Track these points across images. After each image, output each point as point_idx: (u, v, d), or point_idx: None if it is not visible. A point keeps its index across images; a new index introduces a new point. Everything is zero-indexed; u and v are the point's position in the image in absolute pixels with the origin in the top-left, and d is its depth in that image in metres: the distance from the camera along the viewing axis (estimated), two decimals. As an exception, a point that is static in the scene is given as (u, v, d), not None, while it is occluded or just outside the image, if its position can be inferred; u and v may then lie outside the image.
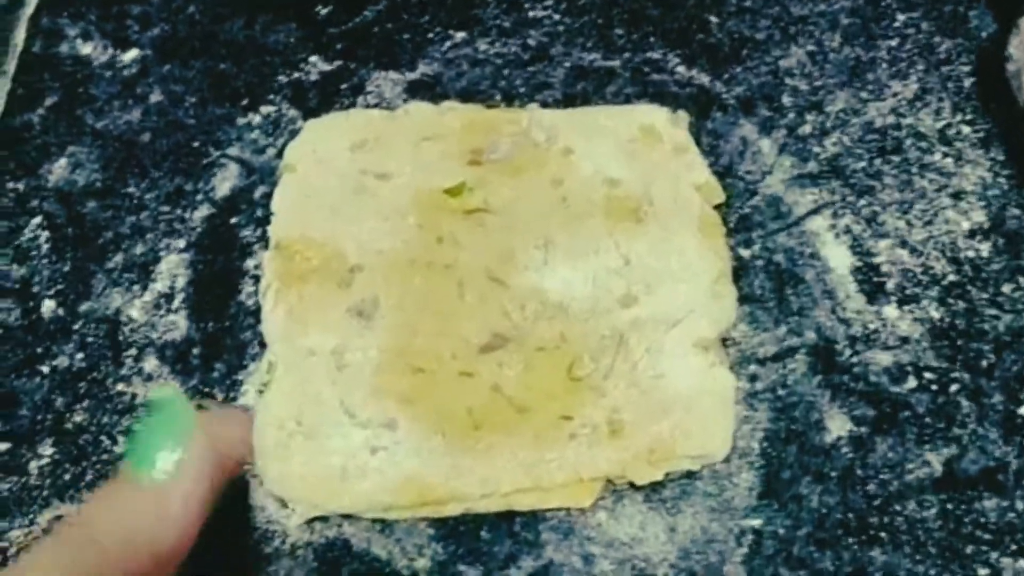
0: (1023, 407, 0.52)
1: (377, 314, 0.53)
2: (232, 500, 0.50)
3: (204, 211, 0.58)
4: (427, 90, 0.62)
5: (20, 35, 0.65)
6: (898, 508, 0.50)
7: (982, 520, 0.50)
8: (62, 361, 0.54)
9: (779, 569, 0.49)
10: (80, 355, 0.55)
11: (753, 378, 0.53)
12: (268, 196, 0.58)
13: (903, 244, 0.56)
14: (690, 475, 0.51)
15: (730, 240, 0.56)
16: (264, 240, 0.57)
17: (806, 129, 0.60)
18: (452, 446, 0.50)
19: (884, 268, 0.56)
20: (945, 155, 0.59)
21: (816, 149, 0.59)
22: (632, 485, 0.50)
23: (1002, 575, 0.49)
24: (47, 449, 0.52)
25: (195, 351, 0.55)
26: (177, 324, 0.55)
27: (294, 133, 0.60)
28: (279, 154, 0.60)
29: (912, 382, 0.53)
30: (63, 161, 0.60)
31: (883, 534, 0.50)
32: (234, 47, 0.64)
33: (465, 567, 0.49)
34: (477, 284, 0.54)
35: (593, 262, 0.54)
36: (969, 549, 0.49)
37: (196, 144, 0.61)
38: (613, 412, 0.51)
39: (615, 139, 0.58)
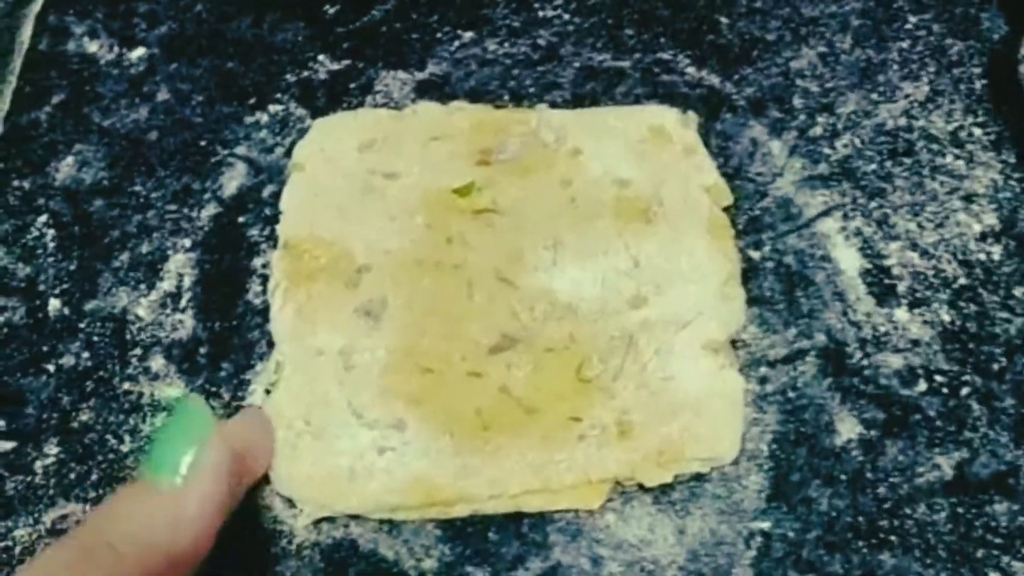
0: (1034, 411, 0.52)
1: (385, 314, 0.53)
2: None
3: (211, 210, 0.58)
4: (436, 90, 0.62)
5: (27, 33, 0.65)
6: (908, 512, 0.50)
7: (993, 524, 0.49)
8: (68, 360, 0.54)
9: (788, 572, 0.49)
10: (86, 354, 0.54)
11: (763, 380, 0.53)
12: (275, 195, 0.58)
13: (914, 246, 0.56)
14: (699, 477, 0.51)
15: (740, 242, 0.56)
16: (271, 239, 0.57)
17: (817, 131, 0.60)
18: (460, 447, 0.50)
19: (895, 270, 0.55)
20: (956, 157, 0.58)
21: (827, 151, 0.59)
22: (641, 487, 0.50)
23: (1013, 579, 0.48)
24: (53, 448, 0.52)
25: (202, 350, 0.54)
26: (184, 323, 0.55)
27: (302, 132, 0.60)
28: (287, 153, 0.59)
29: (923, 385, 0.53)
30: (70, 159, 0.60)
31: (893, 538, 0.49)
32: (242, 46, 0.64)
33: (472, 568, 0.49)
34: (486, 284, 0.53)
35: (602, 263, 0.54)
36: (980, 553, 0.49)
37: (203, 143, 0.60)
38: (622, 414, 0.51)
39: (624, 140, 0.58)
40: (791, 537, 0.49)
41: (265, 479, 0.50)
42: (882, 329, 0.54)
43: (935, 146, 0.59)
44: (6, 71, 0.64)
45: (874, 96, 0.61)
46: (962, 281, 0.55)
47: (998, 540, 0.49)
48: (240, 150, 0.60)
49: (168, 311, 0.55)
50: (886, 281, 0.55)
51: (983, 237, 0.56)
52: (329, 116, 0.60)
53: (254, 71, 0.63)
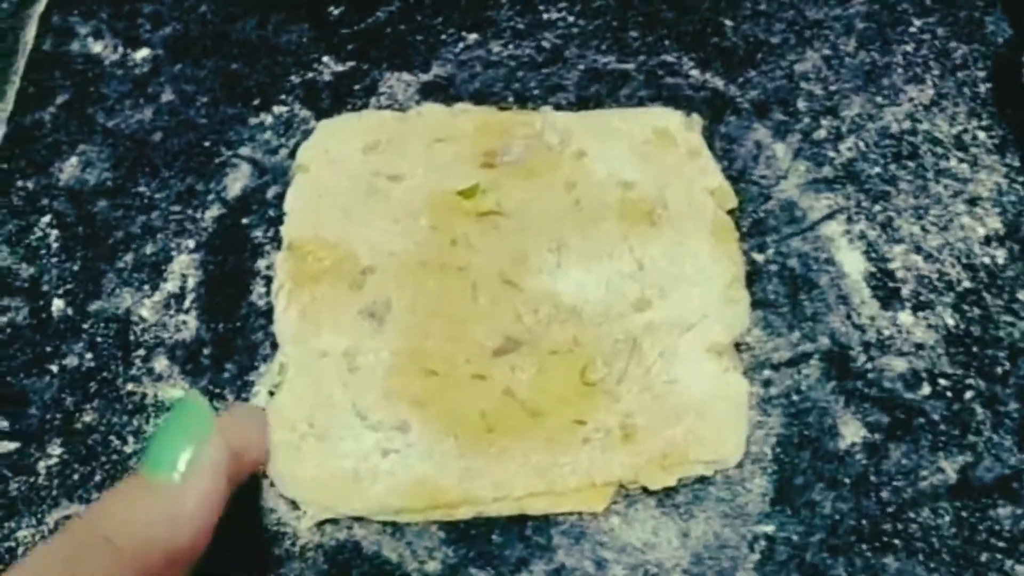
0: (1038, 415, 0.52)
1: (389, 316, 0.53)
2: (243, 501, 0.50)
3: (215, 211, 0.58)
4: (440, 92, 0.62)
5: (31, 33, 0.65)
6: (912, 515, 0.50)
7: (996, 528, 0.49)
8: (71, 361, 0.54)
9: (791, 575, 0.49)
10: (90, 355, 0.54)
11: (767, 383, 0.53)
12: (279, 196, 0.58)
13: (918, 250, 0.56)
14: (703, 480, 0.51)
15: (744, 245, 0.56)
16: (275, 240, 0.57)
17: (821, 134, 0.60)
18: (464, 449, 0.50)
19: (899, 274, 0.55)
20: (961, 161, 0.58)
21: (831, 154, 0.59)
22: (645, 490, 0.50)
23: (1017, 583, 0.48)
24: (56, 449, 0.52)
25: (206, 351, 0.54)
26: (188, 324, 0.55)
27: (306, 133, 0.60)
28: (291, 154, 0.59)
29: (927, 389, 0.53)
30: (73, 160, 0.60)
31: (897, 541, 0.49)
32: (246, 47, 0.64)
33: (476, 571, 0.49)
34: (490, 287, 0.53)
35: (607, 266, 0.54)
36: (983, 557, 0.49)
37: (208, 144, 0.60)
38: (626, 417, 0.51)
39: (629, 142, 0.58)
40: (795, 540, 0.49)
41: (267, 480, 0.50)
42: (886, 332, 0.54)
43: (939, 149, 0.59)
44: (10, 71, 0.64)
45: (878, 99, 0.61)
46: (966, 285, 0.55)
47: (1002, 544, 0.49)
48: (244, 151, 0.60)
49: (172, 312, 0.55)
50: (890, 284, 0.55)
51: (987, 241, 0.56)
52: (333, 118, 0.60)
53: (258, 72, 0.63)
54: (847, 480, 0.50)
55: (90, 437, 0.52)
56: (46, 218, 0.58)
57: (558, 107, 0.60)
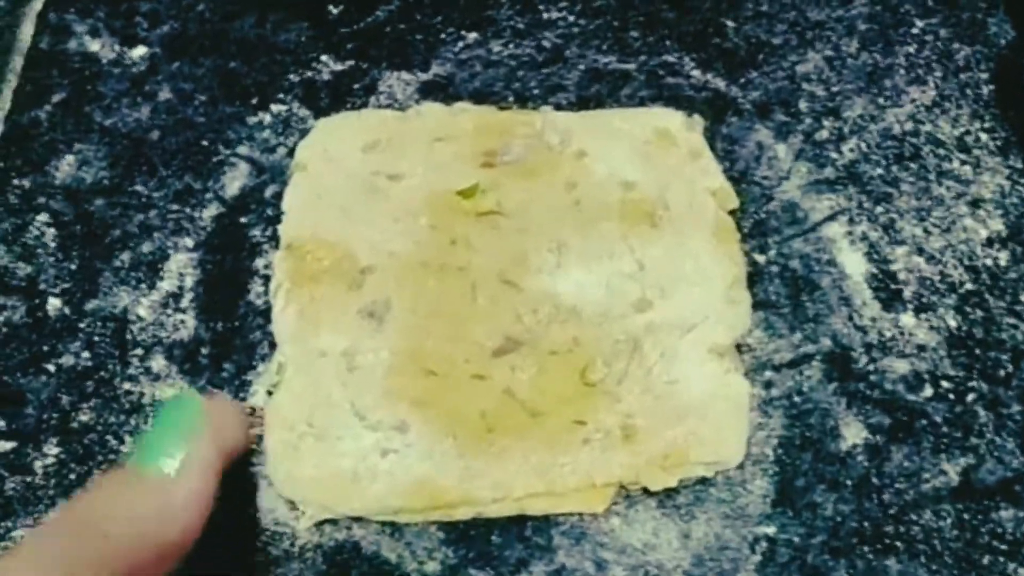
0: (1041, 417, 0.52)
1: (388, 316, 0.52)
2: (241, 502, 0.50)
3: (213, 210, 0.58)
4: (439, 91, 0.61)
5: (27, 31, 0.65)
6: (914, 517, 0.50)
7: (999, 531, 0.49)
8: (68, 360, 0.54)
9: (793, 577, 0.49)
10: (87, 354, 0.54)
11: (768, 385, 0.53)
12: (278, 195, 0.57)
13: (920, 252, 0.56)
14: (704, 481, 0.50)
15: (745, 246, 0.56)
16: (274, 240, 0.56)
17: (823, 135, 0.59)
18: (464, 449, 0.50)
19: (901, 276, 0.55)
20: (963, 162, 0.58)
21: (833, 155, 0.59)
22: (645, 491, 0.50)
23: (1019, 586, 0.48)
24: (53, 448, 0.52)
25: (203, 351, 0.54)
26: (185, 323, 0.55)
27: (304, 132, 0.59)
28: (289, 153, 0.59)
29: (928, 391, 0.52)
30: (70, 158, 0.60)
31: (898, 543, 0.49)
32: (244, 45, 0.64)
33: (476, 571, 0.49)
34: (489, 287, 0.53)
35: (607, 266, 0.54)
36: (986, 559, 0.49)
37: (205, 142, 0.60)
38: (627, 417, 0.50)
39: (630, 142, 0.58)
40: (796, 542, 0.49)
41: (266, 480, 0.50)
42: (888, 334, 0.54)
43: (942, 151, 0.59)
44: (7, 70, 0.63)
45: (880, 100, 0.61)
46: (968, 286, 0.55)
47: (1004, 547, 0.49)
48: (242, 150, 0.60)
49: (169, 311, 0.55)
50: (892, 286, 0.55)
51: (990, 242, 0.56)
52: (332, 116, 0.60)
53: (257, 71, 0.63)
54: (849, 482, 0.50)
55: (87, 437, 0.52)
56: (43, 217, 0.58)
57: (558, 107, 0.60)
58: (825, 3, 0.64)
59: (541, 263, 0.54)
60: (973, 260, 0.56)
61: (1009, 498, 0.50)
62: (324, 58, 0.63)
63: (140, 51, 0.64)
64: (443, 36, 0.63)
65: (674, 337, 0.52)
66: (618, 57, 0.62)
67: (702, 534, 0.49)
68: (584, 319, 0.53)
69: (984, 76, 0.61)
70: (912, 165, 0.58)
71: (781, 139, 0.59)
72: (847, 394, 0.52)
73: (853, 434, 0.51)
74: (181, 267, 0.56)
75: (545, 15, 0.64)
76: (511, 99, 0.61)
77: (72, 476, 0.51)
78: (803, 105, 0.60)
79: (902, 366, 0.53)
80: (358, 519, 0.49)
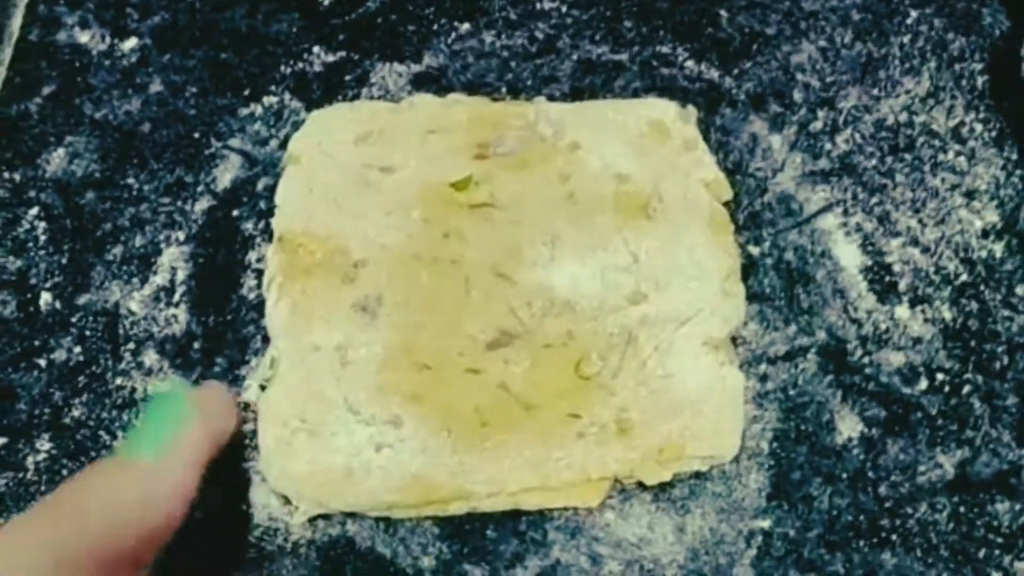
0: (1036, 409, 0.52)
1: (382, 310, 0.52)
2: (234, 497, 0.50)
3: (205, 203, 0.58)
4: (432, 82, 0.61)
5: (17, 23, 0.64)
6: (909, 510, 0.50)
7: (995, 523, 0.49)
8: (60, 355, 0.54)
9: (788, 571, 0.48)
10: (78, 349, 0.54)
11: (763, 378, 0.53)
12: (270, 188, 0.57)
13: (915, 243, 0.56)
14: (699, 475, 0.50)
15: (740, 238, 0.56)
16: (266, 233, 0.56)
17: (817, 126, 0.59)
18: (458, 444, 0.49)
19: (896, 267, 0.55)
20: (958, 154, 0.58)
21: (827, 146, 0.59)
22: (640, 485, 0.50)
23: (1014, 579, 0.48)
24: (44, 444, 0.51)
25: (196, 345, 0.54)
26: (178, 318, 0.54)
27: (297, 125, 0.59)
28: (281, 146, 0.59)
29: (924, 383, 0.52)
30: (61, 151, 0.59)
31: (894, 537, 0.49)
32: (236, 36, 0.63)
33: (470, 566, 0.49)
34: (483, 280, 0.53)
35: (601, 259, 0.54)
36: (981, 553, 0.49)
37: (197, 135, 0.60)
38: (621, 411, 0.50)
39: (624, 134, 0.57)
40: (791, 536, 0.49)
41: (259, 475, 0.50)
42: (883, 326, 0.54)
43: (936, 142, 0.59)
44: (-4, 61, 0.63)
45: (875, 91, 0.60)
46: (963, 278, 0.55)
47: (1000, 540, 0.49)
48: (234, 142, 0.59)
49: (161, 305, 0.55)
50: (887, 278, 0.55)
51: (984, 234, 0.56)
52: (325, 108, 0.60)
53: (248, 62, 0.62)
54: (844, 475, 0.50)
55: (79, 432, 0.52)
56: (33, 210, 0.57)
57: (551, 98, 0.60)
58: (819, -7, 0.64)
59: (535, 256, 0.54)
60: (968, 252, 0.55)
61: (1005, 491, 0.50)
62: (316, 49, 0.62)
63: (130, 43, 0.63)
64: (435, 27, 0.63)
65: (669, 330, 0.52)
66: (611, 48, 0.62)
67: (697, 528, 0.49)
68: (578, 312, 0.52)
69: (979, 67, 0.61)
70: (907, 156, 0.58)
71: (775, 130, 0.59)
72: (842, 387, 0.52)
73: (848, 427, 0.51)
74: (173, 261, 0.56)
75: (538, 5, 0.64)
76: (504, 90, 0.61)
77: (64, 472, 0.51)
78: (797, 96, 0.60)
79: (897, 358, 0.53)
80: (352, 514, 0.49)
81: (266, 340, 0.53)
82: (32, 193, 0.58)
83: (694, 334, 0.52)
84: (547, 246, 0.54)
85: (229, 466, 0.50)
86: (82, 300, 0.55)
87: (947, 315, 0.54)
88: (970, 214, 0.56)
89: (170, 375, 0.53)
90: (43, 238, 0.57)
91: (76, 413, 0.52)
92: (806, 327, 0.54)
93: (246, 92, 0.61)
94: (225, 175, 0.58)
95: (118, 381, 0.53)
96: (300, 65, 0.62)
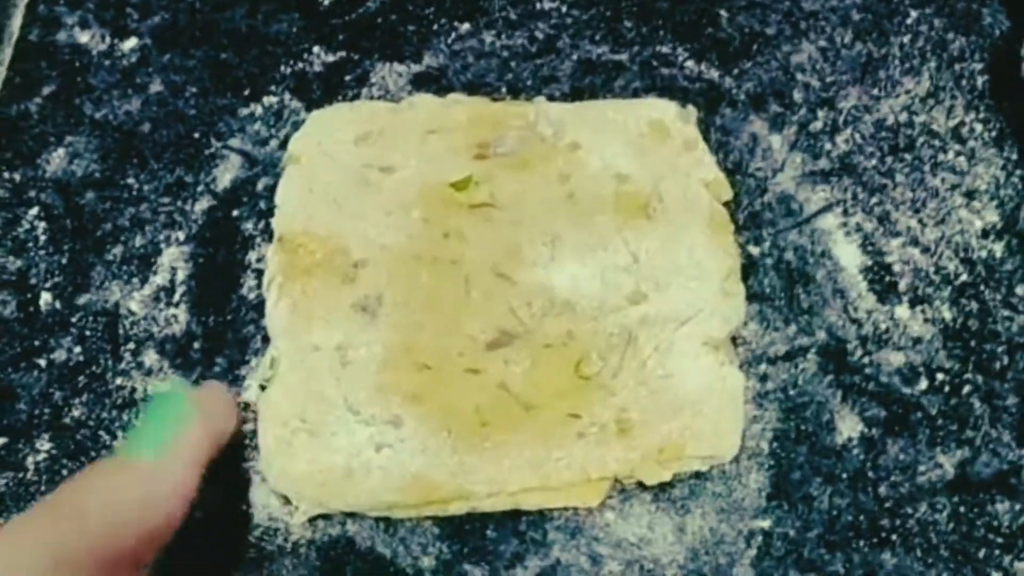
0: (1036, 409, 0.52)
1: (382, 310, 0.52)
2: (234, 497, 0.50)
3: (205, 203, 0.58)
4: (432, 82, 0.61)
5: (17, 23, 0.64)
6: (909, 511, 0.50)
7: (995, 523, 0.49)
8: (60, 355, 0.54)
9: (789, 571, 0.48)
10: (78, 349, 0.54)
11: (763, 378, 0.53)
12: (270, 188, 0.57)
13: (915, 243, 0.56)
14: (699, 475, 0.50)
15: (740, 238, 0.56)
16: (266, 233, 0.56)
17: (817, 126, 0.59)
18: (458, 444, 0.49)
19: (896, 267, 0.55)
20: (958, 154, 0.58)
21: (827, 146, 0.59)
22: (640, 485, 0.50)
23: (1014, 579, 0.48)
24: (44, 444, 0.51)
25: (196, 345, 0.54)
26: (178, 318, 0.54)
27: (297, 125, 0.59)
28: (281, 146, 0.59)
29: (924, 383, 0.52)
30: (61, 151, 0.59)
31: (894, 537, 0.49)
32: (236, 36, 0.63)
33: (471, 566, 0.49)
34: (483, 280, 0.53)
35: (601, 259, 0.54)
36: (981, 553, 0.49)
37: (197, 135, 0.60)
38: (621, 411, 0.50)
39: (624, 134, 0.57)
40: (791, 536, 0.49)
41: (259, 475, 0.50)
42: (883, 326, 0.54)
43: (936, 142, 0.59)
44: (-4, 62, 0.63)
45: (875, 91, 0.60)
46: (964, 278, 0.55)
47: (1000, 540, 0.49)
48: (234, 142, 0.59)
49: (161, 305, 0.55)
50: (887, 278, 0.55)
51: (985, 234, 0.56)
52: (325, 108, 0.60)
53: (248, 62, 0.62)
54: (844, 475, 0.50)
55: (79, 432, 0.52)
56: (33, 210, 0.57)
57: (551, 98, 0.60)
58: (819, -7, 0.64)
59: (535, 256, 0.53)
60: (968, 252, 0.55)
61: (1005, 491, 0.50)
62: (316, 49, 0.62)
63: (131, 43, 0.63)
64: (435, 27, 0.63)
65: (669, 330, 0.52)
66: (611, 48, 0.62)
67: (697, 528, 0.49)
68: (578, 312, 0.52)
69: (978, 67, 0.61)
70: (907, 156, 0.58)
71: (775, 130, 0.59)
72: (842, 387, 0.52)
73: (848, 427, 0.51)
74: (173, 261, 0.56)
75: (538, 5, 0.64)
76: (504, 90, 0.61)
77: (64, 472, 0.51)
78: (797, 96, 0.60)
79: (897, 358, 0.53)
80: (352, 514, 0.49)
81: (266, 340, 0.53)
82: (32, 193, 0.58)
83: (694, 334, 0.52)
84: (547, 246, 0.54)
85: (229, 466, 0.50)
86: (82, 300, 0.55)
87: (947, 315, 0.54)
88: (970, 214, 0.56)
89: (170, 375, 0.53)
90: (43, 238, 0.57)
91: (76, 413, 0.52)
92: (806, 327, 0.54)
93: (246, 92, 0.61)
94: (225, 175, 0.58)
95: (118, 381, 0.53)
96: (300, 65, 0.62)
